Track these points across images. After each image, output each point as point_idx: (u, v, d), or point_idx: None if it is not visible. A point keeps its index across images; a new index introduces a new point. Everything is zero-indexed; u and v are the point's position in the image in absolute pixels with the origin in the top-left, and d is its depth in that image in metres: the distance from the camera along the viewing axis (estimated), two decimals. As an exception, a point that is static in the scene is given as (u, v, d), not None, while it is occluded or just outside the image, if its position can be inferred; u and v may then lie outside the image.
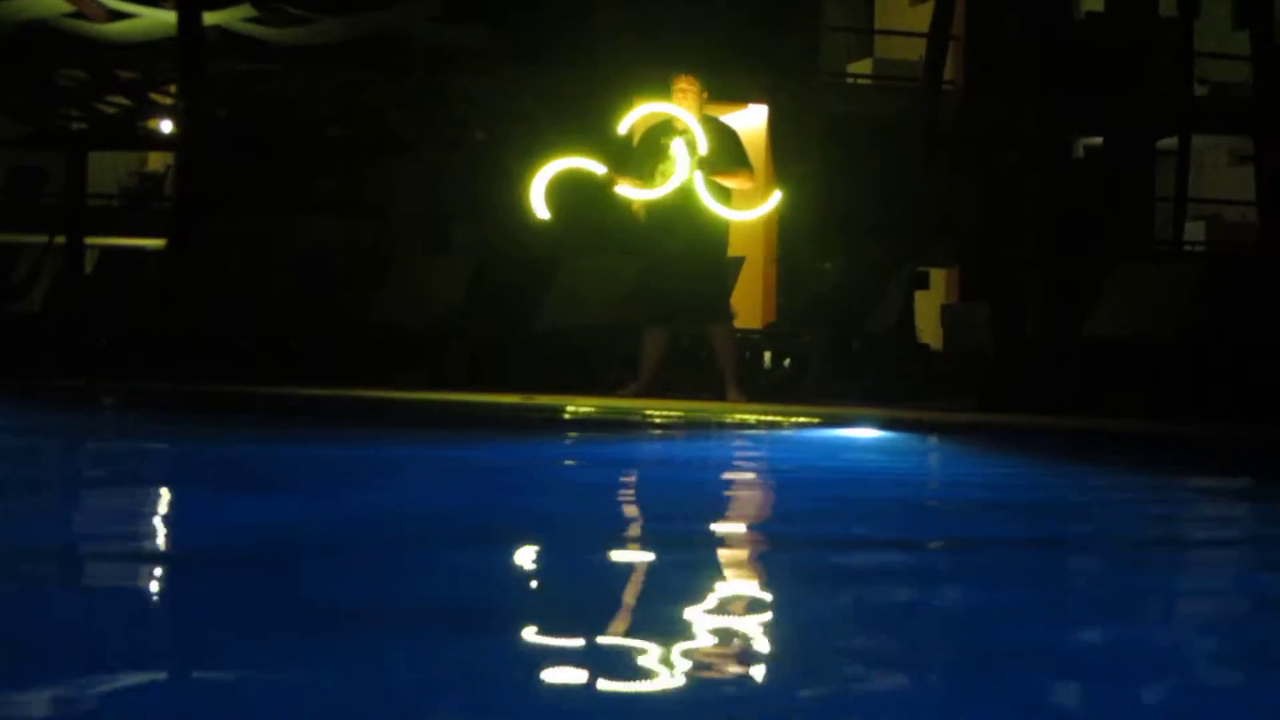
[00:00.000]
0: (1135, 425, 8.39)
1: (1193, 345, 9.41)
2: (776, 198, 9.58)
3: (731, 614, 2.89)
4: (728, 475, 6.24)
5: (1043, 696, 2.27)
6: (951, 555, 3.78)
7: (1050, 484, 5.86)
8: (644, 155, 9.52)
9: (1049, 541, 4.08)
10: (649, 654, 2.43)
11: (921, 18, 18.49)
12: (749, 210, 9.71)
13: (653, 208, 9.60)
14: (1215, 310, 9.65)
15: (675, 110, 9.35)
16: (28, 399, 9.75)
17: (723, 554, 3.75)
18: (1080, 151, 23.18)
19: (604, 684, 2.22)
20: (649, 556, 3.68)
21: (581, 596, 2.97)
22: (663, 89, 9.56)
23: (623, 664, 2.37)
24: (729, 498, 5.26)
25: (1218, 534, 4.60)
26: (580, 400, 9.43)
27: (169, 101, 17.36)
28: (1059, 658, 2.53)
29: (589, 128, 9.87)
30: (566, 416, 8.99)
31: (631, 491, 5.32)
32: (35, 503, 4.28)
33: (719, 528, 4.29)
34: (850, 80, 22.56)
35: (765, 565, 3.62)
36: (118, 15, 15.43)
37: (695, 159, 9.24)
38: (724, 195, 9.43)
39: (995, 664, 2.46)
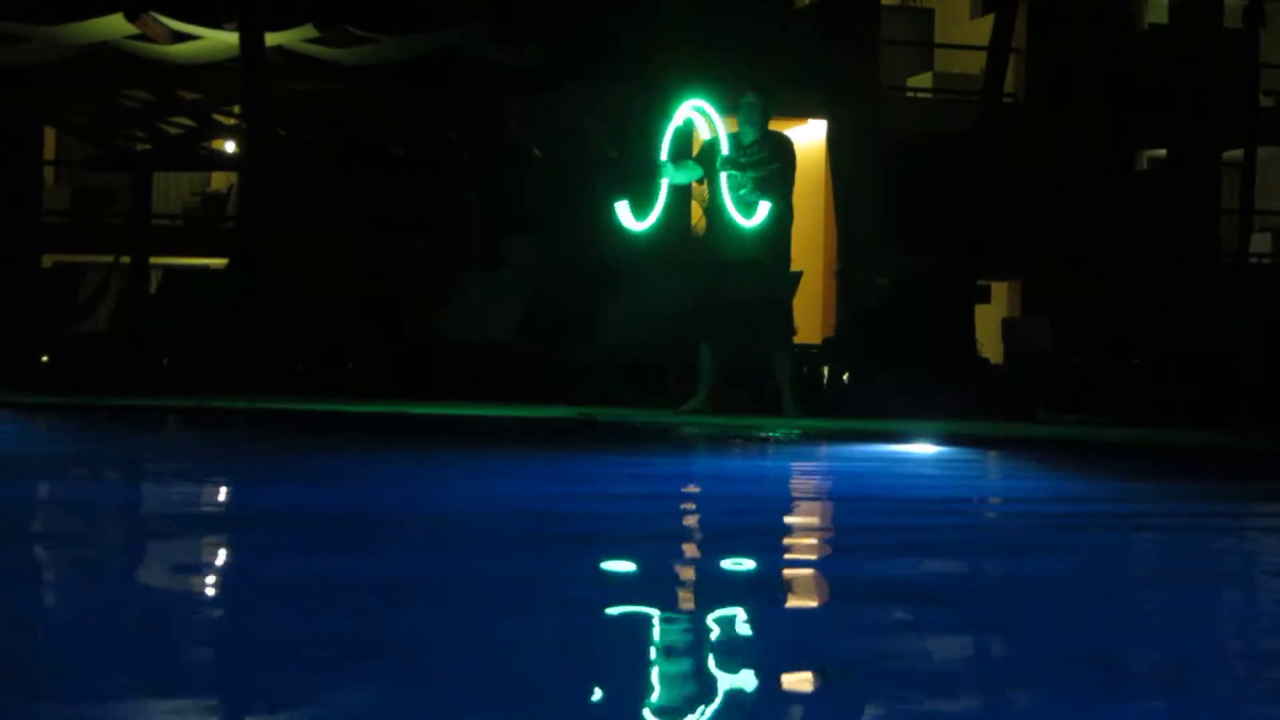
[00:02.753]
0: (1199, 439, 8.28)
1: (1257, 358, 9.29)
2: (765, 209, 9.48)
3: (793, 628, 2.87)
4: (786, 491, 6.20)
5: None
6: (1011, 577, 3.73)
7: (1111, 500, 5.79)
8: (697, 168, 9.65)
9: (1108, 562, 4.02)
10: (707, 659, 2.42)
11: (981, 31, 18.39)
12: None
13: (712, 224, 9.66)
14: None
15: (711, 120, 9.48)
16: (93, 418, 9.85)
17: (783, 568, 3.72)
18: (1144, 164, 22.98)
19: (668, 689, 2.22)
20: (709, 578, 3.66)
21: (638, 611, 2.95)
22: (728, 103, 9.68)
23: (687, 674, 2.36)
24: (788, 515, 5.23)
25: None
26: (638, 416, 9.43)
27: (232, 122, 17.56)
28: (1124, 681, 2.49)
29: (647, 144, 9.91)
30: (625, 432, 8.99)
31: (689, 510, 5.30)
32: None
33: (779, 544, 4.26)
34: (910, 94, 22.48)
35: (824, 584, 3.59)
36: (181, 37, 15.61)
37: (734, 168, 9.37)
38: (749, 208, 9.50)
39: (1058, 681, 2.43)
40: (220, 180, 23.65)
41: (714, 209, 9.62)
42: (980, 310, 15.01)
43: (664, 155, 9.51)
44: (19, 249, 20.15)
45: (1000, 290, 21.40)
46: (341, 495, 5.10)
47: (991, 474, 7.22)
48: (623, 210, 9.48)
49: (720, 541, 4.25)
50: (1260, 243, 21.65)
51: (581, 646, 2.59)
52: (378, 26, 15.73)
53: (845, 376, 11.51)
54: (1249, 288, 10.16)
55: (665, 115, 9.63)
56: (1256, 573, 3.99)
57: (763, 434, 8.73)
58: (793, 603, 3.23)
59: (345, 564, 3.43)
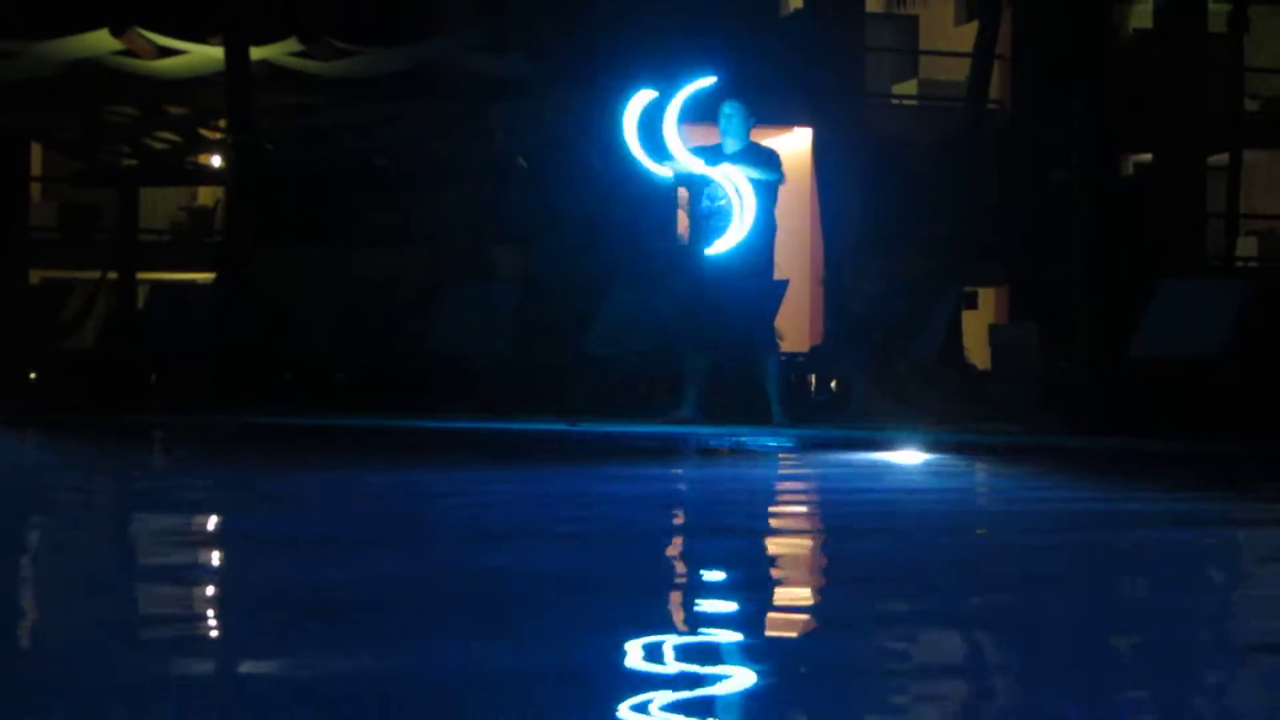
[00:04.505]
0: (1185, 445, 8.30)
1: (1244, 361, 9.31)
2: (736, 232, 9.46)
3: (786, 638, 2.87)
4: (773, 500, 6.21)
5: None
6: (1000, 585, 3.74)
7: (1100, 507, 5.80)
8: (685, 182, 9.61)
9: (1100, 569, 4.03)
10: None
11: (966, 38, 18.43)
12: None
13: (696, 232, 9.65)
14: (1265, 326, 9.55)
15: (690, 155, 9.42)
16: (81, 433, 9.85)
17: (774, 575, 3.73)
18: (1130, 168, 23.04)
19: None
20: (701, 591, 3.66)
21: (631, 627, 2.96)
22: (709, 113, 9.66)
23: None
24: (775, 523, 5.24)
25: (1270, 557, 4.52)
26: (626, 426, 9.44)
27: (218, 136, 17.56)
28: None
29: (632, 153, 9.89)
30: (612, 443, 8.99)
31: (677, 522, 5.30)
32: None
33: (768, 552, 4.27)
34: (895, 101, 22.52)
35: (814, 598, 3.59)
36: (166, 52, 15.62)
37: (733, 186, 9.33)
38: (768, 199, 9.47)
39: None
40: (207, 195, 23.65)
41: (694, 218, 9.62)
42: (968, 316, 15.03)
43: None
44: (6, 266, 20.13)
45: (988, 296, 21.44)
46: (329, 503, 5.11)
47: (979, 481, 7.23)
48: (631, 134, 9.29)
49: (706, 553, 4.26)
50: (1246, 246, 21.71)
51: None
52: (362, 39, 15.76)
53: (832, 384, 11.53)
54: (1235, 291, 10.18)
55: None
56: (1242, 582, 4.00)
57: (750, 443, 8.74)
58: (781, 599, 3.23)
59: (325, 576, 3.43)
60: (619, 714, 2.18)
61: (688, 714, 2.21)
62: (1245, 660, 2.74)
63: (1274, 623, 3.20)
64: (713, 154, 9.49)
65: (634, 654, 2.61)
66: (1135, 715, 2.32)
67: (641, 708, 2.20)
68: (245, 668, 2.52)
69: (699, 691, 2.37)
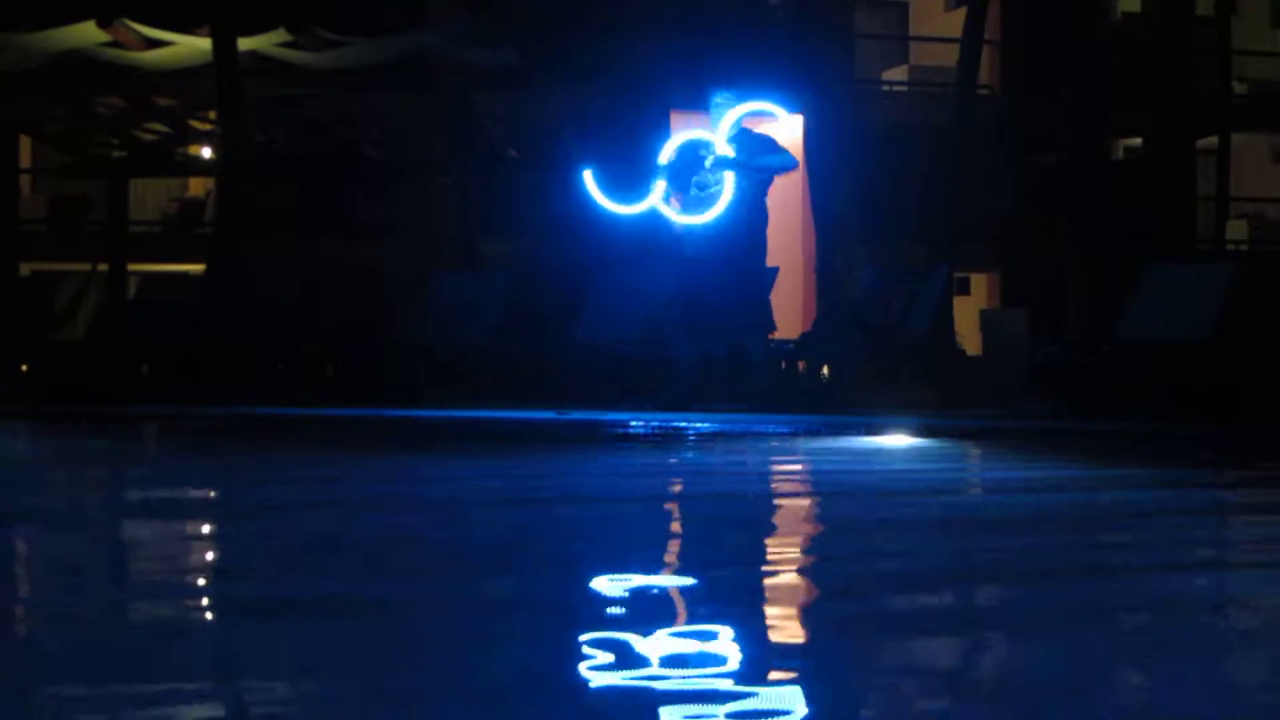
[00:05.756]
0: (1173, 427, 8.33)
1: (1230, 344, 9.33)
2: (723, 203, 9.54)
3: (781, 622, 2.89)
4: (764, 485, 6.22)
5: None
6: (989, 567, 3.75)
7: (1089, 489, 5.82)
8: (678, 170, 9.62)
9: (1087, 548, 4.04)
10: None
11: (956, 23, 18.41)
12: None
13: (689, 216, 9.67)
14: (1253, 308, 9.57)
15: (706, 132, 9.49)
16: (73, 425, 9.85)
17: (765, 566, 3.75)
18: (1120, 152, 23.04)
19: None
20: (694, 578, 3.68)
21: (628, 618, 2.98)
22: (698, 103, 9.71)
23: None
24: (766, 509, 5.25)
25: (1258, 540, 4.54)
26: (618, 413, 9.44)
27: (207, 127, 17.53)
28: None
29: (623, 142, 9.91)
30: (603, 429, 9.00)
31: (672, 506, 5.31)
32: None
33: (757, 541, 4.29)
34: (885, 87, 22.50)
35: (807, 586, 3.61)
36: (154, 43, 15.60)
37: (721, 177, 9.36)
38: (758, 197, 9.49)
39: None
40: (197, 185, 23.59)
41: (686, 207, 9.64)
42: (959, 302, 15.06)
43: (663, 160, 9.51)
44: (-4, 258, 20.09)
45: (979, 282, 21.46)
46: (321, 499, 5.12)
47: (970, 465, 7.25)
48: (590, 181, 9.47)
49: (701, 537, 4.27)
50: (1236, 229, 21.73)
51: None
52: (350, 30, 15.73)
53: (823, 370, 11.53)
54: (1222, 274, 10.20)
55: (646, 116, 9.60)
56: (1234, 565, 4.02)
57: (740, 428, 8.75)
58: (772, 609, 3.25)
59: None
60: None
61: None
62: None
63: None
64: (701, 149, 9.52)
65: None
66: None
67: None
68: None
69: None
